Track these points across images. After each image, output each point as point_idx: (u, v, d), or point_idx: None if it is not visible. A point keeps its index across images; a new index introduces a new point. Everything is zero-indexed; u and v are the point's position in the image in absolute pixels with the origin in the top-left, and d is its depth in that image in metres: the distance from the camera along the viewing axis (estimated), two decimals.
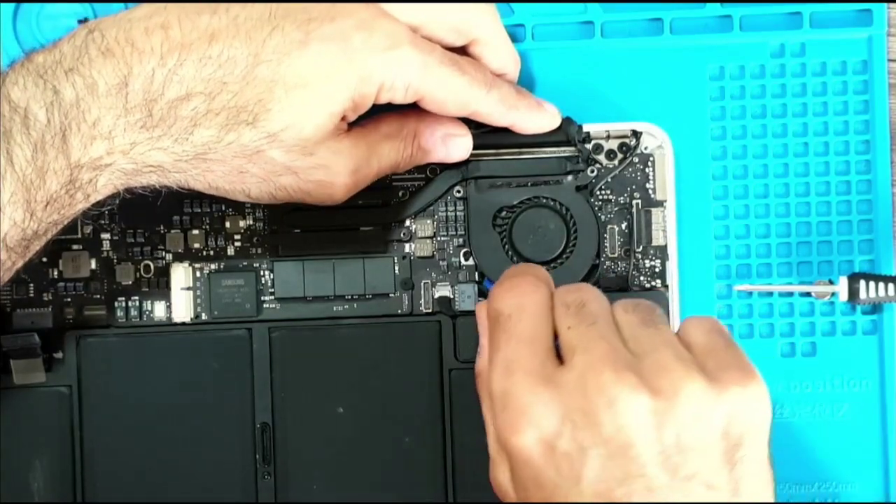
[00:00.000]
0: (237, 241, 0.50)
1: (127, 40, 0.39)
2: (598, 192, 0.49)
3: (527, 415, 0.37)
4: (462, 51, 0.44)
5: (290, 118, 0.40)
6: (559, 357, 0.39)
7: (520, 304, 0.40)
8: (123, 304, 0.50)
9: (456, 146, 0.46)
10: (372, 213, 0.49)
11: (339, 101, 0.40)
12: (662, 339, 0.38)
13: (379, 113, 0.44)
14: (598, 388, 0.36)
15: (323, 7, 0.40)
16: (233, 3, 0.39)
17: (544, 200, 0.49)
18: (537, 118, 0.46)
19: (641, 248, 0.49)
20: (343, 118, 0.41)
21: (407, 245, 0.50)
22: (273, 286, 0.49)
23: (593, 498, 0.36)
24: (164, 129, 0.39)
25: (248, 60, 0.39)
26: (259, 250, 0.50)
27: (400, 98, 0.42)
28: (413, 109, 0.45)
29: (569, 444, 0.36)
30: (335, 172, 0.42)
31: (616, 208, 0.49)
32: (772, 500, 0.37)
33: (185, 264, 0.49)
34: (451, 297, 0.49)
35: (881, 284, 0.49)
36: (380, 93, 0.41)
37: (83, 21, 0.50)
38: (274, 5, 0.40)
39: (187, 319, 0.49)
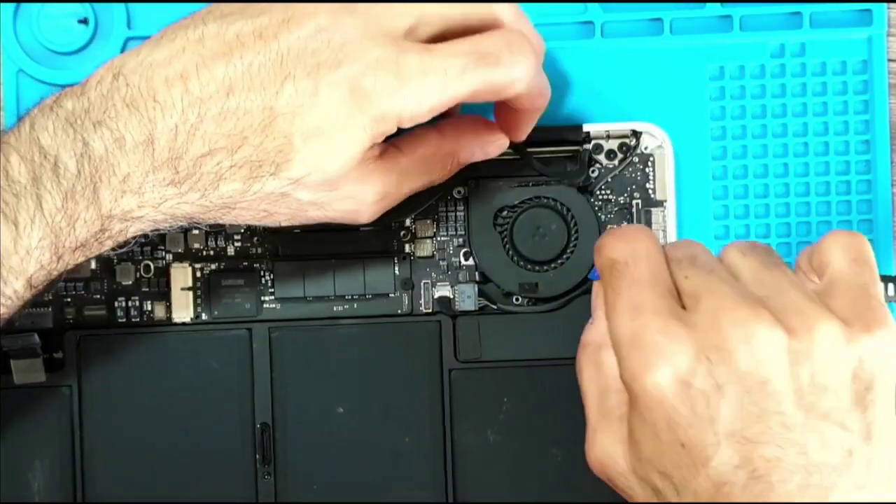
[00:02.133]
0: (237, 241, 0.50)
1: (149, 92, 0.39)
2: (598, 192, 0.49)
3: (660, 352, 0.37)
4: None
5: (311, 165, 0.40)
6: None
7: (633, 249, 0.40)
8: (123, 304, 0.50)
9: (494, 149, 0.46)
10: None
11: (357, 144, 0.40)
12: (788, 280, 0.39)
13: (415, 133, 0.44)
14: (733, 323, 0.37)
15: (333, 49, 0.39)
16: (247, 48, 0.40)
17: (544, 200, 0.49)
18: (530, 125, 0.45)
19: None
20: (364, 152, 0.41)
21: (407, 245, 0.50)
22: (273, 286, 0.49)
23: (728, 437, 0.36)
24: (190, 185, 0.40)
25: (265, 114, 0.39)
26: (259, 250, 0.50)
27: (426, 119, 0.41)
28: (450, 123, 0.45)
29: (704, 382, 0.36)
30: (361, 202, 0.42)
31: (616, 208, 0.49)
32: None
33: (185, 264, 0.49)
34: (451, 297, 0.49)
35: (881, 284, 0.49)
36: (401, 124, 0.40)
37: (83, 21, 0.50)
38: (284, 49, 0.39)
39: (187, 319, 0.49)
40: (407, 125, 0.40)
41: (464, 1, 0.41)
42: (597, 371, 0.41)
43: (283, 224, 0.42)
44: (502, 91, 0.41)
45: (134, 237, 0.41)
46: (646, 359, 0.37)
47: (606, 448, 0.40)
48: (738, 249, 0.41)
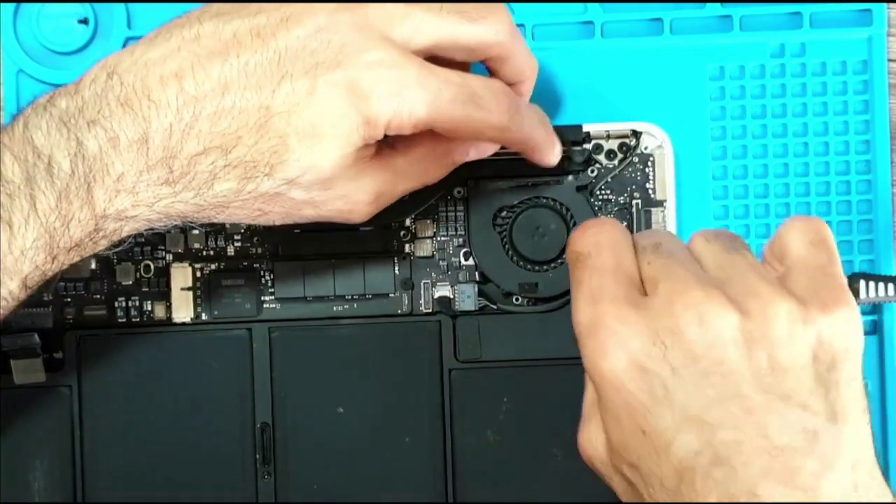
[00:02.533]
0: (237, 241, 0.50)
1: (143, 90, 0.39)
2: (598, 192, 0.49)
3: (615, 337, 0.37)
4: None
5: (306, 164, 0.40)
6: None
7: (597, 241, 0.40)
8: (123, 304, 0.50)
9: (488, 149, 0.46)
10: None
11: (350, 144, 0.40)
12: (748, 264, 0.39)
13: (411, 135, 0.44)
14: (685, 305, 0.37)
15: (332, 50, 0.39)
16: (244, 47, 0.40)
17: (544, 200, 0.49)
18: (550, 153, 0.46)
19: None
20: (357, 152, 0.41)
21: (407, 245, 0.50)
22: (273, 286, 0.49)
23: (687, 422, 0.36)
24: (184, 184, 0.40)
25: (261, 113, 0.39)
26: (259, 250, 0.50)
27: (407, 132, 0.41)
28: None
29: (660, 365, 0.36)
30: (354, 201, 0.42)
31: (616, 208, 0.49)
32: (868, 427, 0.37)
33: (185, 264, 0.49)
34: (451, 297, 0.49)
35: (881, 284, 0.49)
36: (386, 131, 0.41)
37: (83, 21, 0.50)
38: (282, 48, 0.39)
39: (187, 319, 0.49)
40: (391, 133, 0.41)
41: (462, 1, 0.41)
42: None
43: (277, 222, 0.42)
44: (479, 134, 0.42)
45: (129, 236, 0.41)
46: (601, 344, 0.37)
47: (591, 437, 0.40)
48: (703, 236, 0.41)
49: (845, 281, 0.38)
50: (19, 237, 0.39)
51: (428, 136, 0.44)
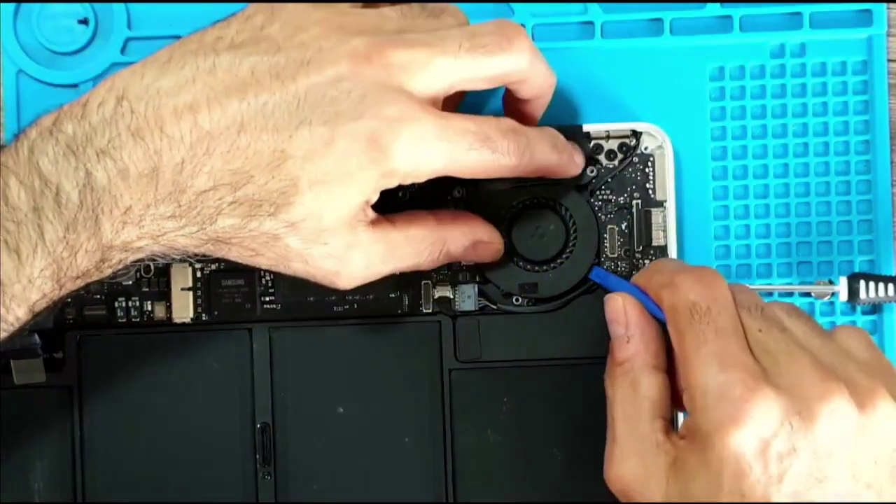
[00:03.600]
0: None
1: (157, 122, 0.39)
2: (598, 193, 0.49)
3: (749, 412, 0.38)
4: None
5: (311, 210, 0.40)
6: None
7: (715, 296, 0.40)
8: (123, 304, 0.50)
9: (486, 253, 0.47)
10: None
11: (360, 195, 0.40)
12: (843, 352, 0.40)
13: (412, 213, 0.44)
14: (818, 395, 0.38)
15: (352, 100, 0.39)
16: (262, 87, 0.39)
17: (544, 200, 0.49)
18: (569, 170, 0.46)
19: (641, 248, 0.49)
20: (364, 207, 0.41)
21: None
22: (273, 286, 0.49)
23: (789, 496, 0.37)
24: (189, 218, 0.40)
25: (275, 155, 0.39)
26: None
27: (422, 180, 0.41)
28: (449, 212, 0.46)
29: (783, 445, 0.38)
30: (344, 264, 0.42)
31: (616, 208, 0.49)
32: None
33: (185, 264, 0.49)
34: (451, 297, 0.49)
35: (881, 284, 0.49)
36: (404, 182, 0.41)
37: (83, 21, 0.50)
38: (301, 94, 0.39)
39: (187, 319, 0.49)
40: (405, 182, 0.41)
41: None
42: (633, 393, 0.41)
43: (264, 268, 0.42)
44: (497, 173, 0.43)
45: (133, 264, 0.41)
46: (734, 414, 0.38)
47: (635, 473, 0.40)
48: (784, 311, 0.41)
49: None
50: (27, 266, 0.39)
51: (429, 218, 0.44)
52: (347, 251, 0.41)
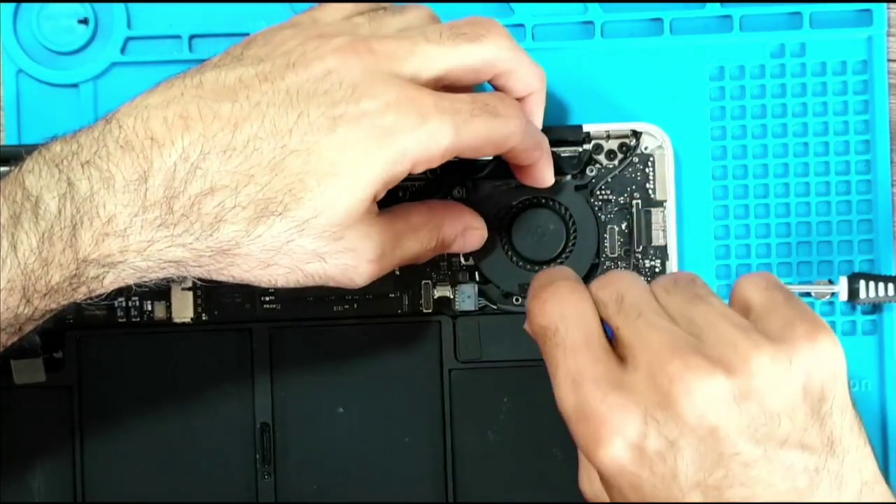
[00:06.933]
0: None
1: (146, 132, 0.38)
2: (598, 192, 0.49)
3: (607, 425, 0.36)
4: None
5: (322, 205, 0.39)
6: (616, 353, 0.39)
7: (562, 313, 0.39)
8: (123, 304, 0.50)
9: (473, 238, 0.46)
10: None
11: (371, 184, 0.39)
12: (716, 312, 0.38)
13: (407, 203, 0.44)
14: (669, 379, 0.36)
15: (346, 89, 0.39)
16: (252, 90, 0.39)
17: (544, 200, 0.49)
18: (547, 169, 0.46)
19: (641, 248, 0.49)
20: (374, 198, 0.40)
21: None
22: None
23: (693, 489, 0.36)
24: (185, 226, 0.38)
25: (276, 151, 0.38)
26: None
27: (437, 164, 0.41)
28: (438, 202, 0.46)
29: (657, 443, 0.36)
30: (361, 257, 0.41)
31: (616, 208, 0.49)
32: (867, 447, 0.37)
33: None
34: (451, 297, 0.49)
35: (881, 284, 0.49)
36: (415, 167, 0.40)
37: (83, 21, 0.50)
38: (293, 90, 0.39)
39: (187, 319, 0.49)
40: (419, 169, 0.40)
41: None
42: None
43: (280, 280, 0.40)
44: (502, 143, 0.42)
45: (111, 290, 0.40)
46: (595, 433, 0.37)
47: (594, 486, 0.40)
48: (661, 287, 0.40)
49: (810, 308, 0.38)
50: None
51: (423, 207, 0.44)
52: (362, 242, 0.40)
